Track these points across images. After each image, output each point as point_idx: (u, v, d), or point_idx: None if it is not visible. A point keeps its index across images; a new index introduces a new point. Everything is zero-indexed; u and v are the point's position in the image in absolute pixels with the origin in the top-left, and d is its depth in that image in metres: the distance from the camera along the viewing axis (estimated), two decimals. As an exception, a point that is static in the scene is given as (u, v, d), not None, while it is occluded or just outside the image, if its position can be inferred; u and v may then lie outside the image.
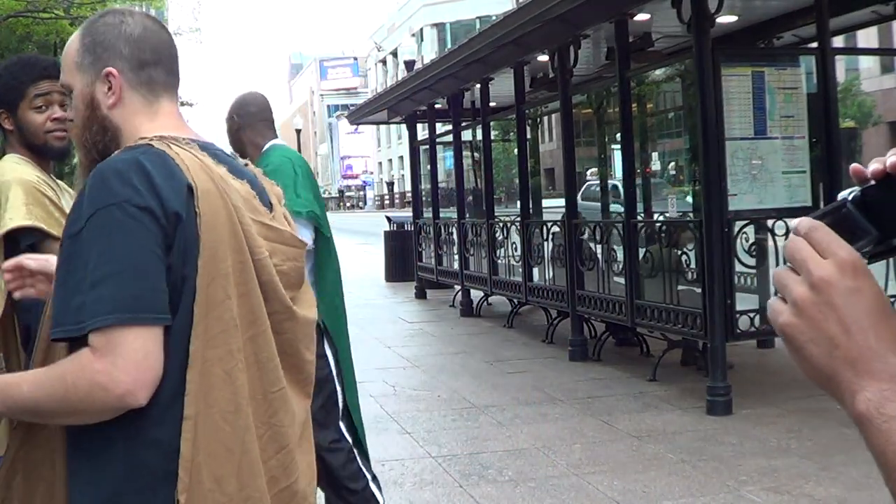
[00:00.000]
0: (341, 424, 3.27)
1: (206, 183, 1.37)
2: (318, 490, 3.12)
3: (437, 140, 12.11)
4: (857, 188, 0.70)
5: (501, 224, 9.55)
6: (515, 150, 9.25)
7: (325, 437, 3.12)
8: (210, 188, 1.36)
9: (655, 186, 10.53)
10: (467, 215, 11.03)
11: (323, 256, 3.31)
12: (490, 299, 10.71)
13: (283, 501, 1.49)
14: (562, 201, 7.73)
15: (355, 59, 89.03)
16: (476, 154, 11.74)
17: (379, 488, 3.33)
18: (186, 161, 1.37)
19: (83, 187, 1.34)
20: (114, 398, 1.25)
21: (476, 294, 10.57)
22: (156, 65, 1.45)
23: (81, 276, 1.27)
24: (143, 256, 1.28)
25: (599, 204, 9.70)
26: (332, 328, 3.24)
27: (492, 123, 10.50)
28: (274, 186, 1.61)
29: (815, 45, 6.23)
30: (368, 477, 3.29)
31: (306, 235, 3.13)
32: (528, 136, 9.21)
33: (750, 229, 5.90)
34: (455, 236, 10.70)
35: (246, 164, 1.59)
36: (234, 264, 1.37)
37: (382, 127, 52.75)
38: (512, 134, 11.15)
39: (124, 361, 1.25)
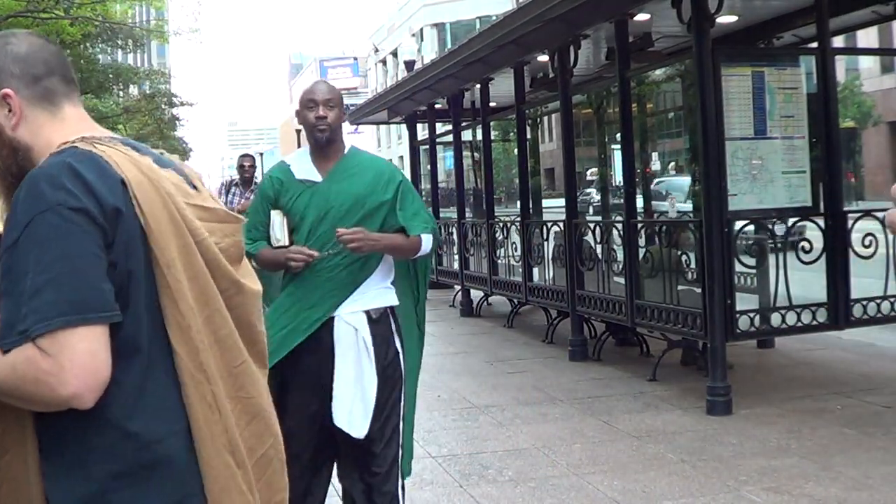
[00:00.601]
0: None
1: (137, 175, 1.39)
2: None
3: (437, 140, 12.11)
4: None
5: (501, 224, 9.55)
6: (515, 150, 9.25)
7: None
8: (142, 179, 1.39)
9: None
10: (467, 215, 11.04)
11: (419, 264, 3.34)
12: (490, 299, 10.71)
13: (262, 468, 1.54)
14: (562, 201, 7.73)
15: (355, 59, 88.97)
16: (476, 154, 11.74)
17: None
18: (113, 157, 1.39)
19: (15, 197, 1.34)
20: (60, 399, 1.27)
21: (476, 294, 10.57)
22: (49, 76, 1.47)
23: (23, 285, 1.27)
24: (82, 258, 1.29)
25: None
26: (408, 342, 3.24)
27: (492, 123, 10.50)
28: (193, 170, 1.62)
29: (815, 45, 6.22)
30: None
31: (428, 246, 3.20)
32: (528, 136, 9.21)
33: (750, 229, 5.90)
34: (455, 236, 10.70)
35: (162, 153, 1.61)
36: (178, 249, 1.40)
37: (382, 127, 52.72)
38: (512, 134, 11.16)
39: (71, 365, 1.26)
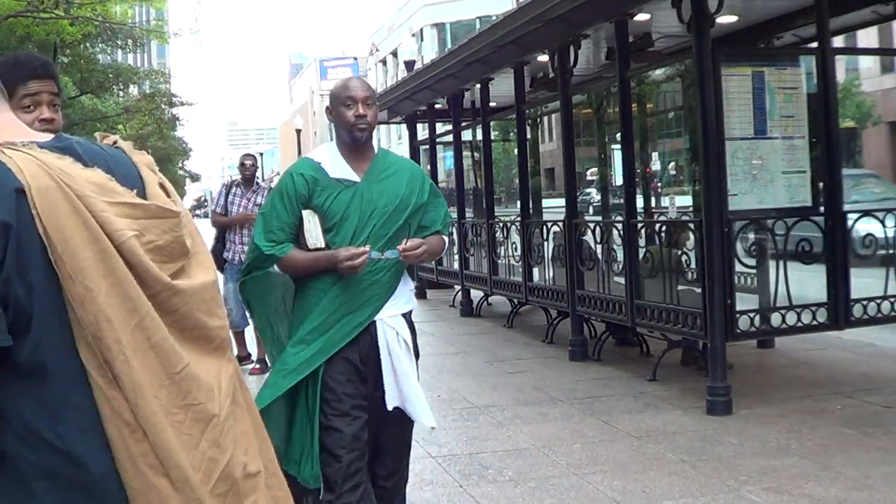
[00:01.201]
0: None
1: (42, 180, 1.31)
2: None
3: (437, 140, 12.11)
4: None
5: (501, 224, 9.55)
6: (515, 150, 9.25)
7: None
8: (47, 185, 1.31)
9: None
10: (467, 215, 11.04)
11: None
12: (490, 299, 10.71)
13: (227, 481, 1.45)
14: (562, 201, 7.73)
15: (355, 59, 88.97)
16: (476, 154, 11.74)
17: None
18: (19, 162, 1.31)
19: None
20: None
21: (476, 294, 10.57)
22: None
23: None
24: None
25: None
26: None
27: (492, 123, 10.50)
28: (143, 156, 1.55)
29: (815, 45, 6.22)
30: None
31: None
32: (528, 136, 9.20)
33: (750, 229, 5.90)
34: (455, 236, 10.70)
35: (115, 144, 1.54)
36: (92, 256, 1.32)
37: (382, 127, 52.70)
38: (512, 134, 11.16)
39: None
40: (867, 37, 21.94)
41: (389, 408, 3.02)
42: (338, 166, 3.03)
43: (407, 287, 3.13)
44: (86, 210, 1.32)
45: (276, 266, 3.01)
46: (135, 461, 1.33)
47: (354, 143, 3.03)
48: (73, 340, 1.32)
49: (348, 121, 2.99)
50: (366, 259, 2.87)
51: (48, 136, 1.46)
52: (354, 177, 3.02)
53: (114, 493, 1.33)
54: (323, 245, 2.95)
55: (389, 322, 3.02)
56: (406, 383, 3.02)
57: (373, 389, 3.01)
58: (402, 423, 3.11)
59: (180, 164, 47.14)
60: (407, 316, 3.11)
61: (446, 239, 3.29)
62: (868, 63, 30.68)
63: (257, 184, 7.64)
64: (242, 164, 7.61)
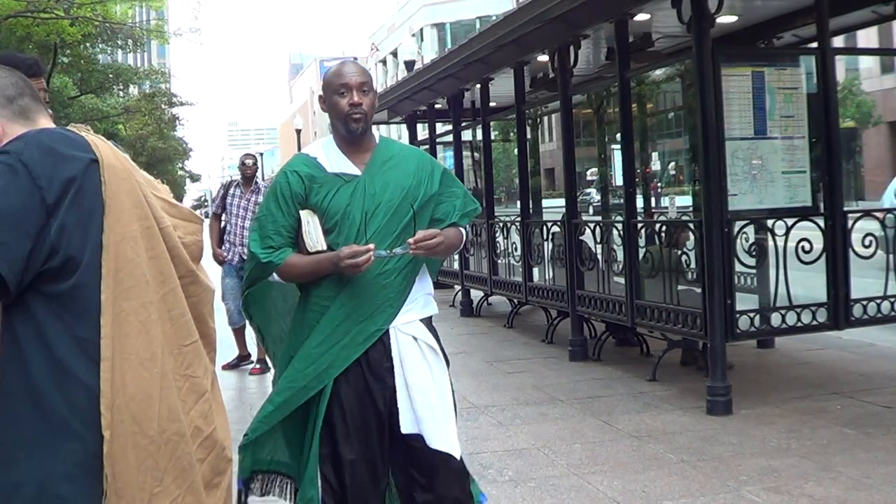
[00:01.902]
0: None
1: (111, 159, 1.56)
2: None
3: (437, 140, 12.10)
4: None
5: (501, 224, 9.55)
6: (515, 150, 9.24)
7: None
8: (116, 164, 1.56)
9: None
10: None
11: None
12: (490, 299, 10.71)
13: (207, 449, 1.65)
14: (562, 201, 7.73)
15: (355, 59, 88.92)
16: (476, 154, 11.74)
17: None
18: (97, 142, 1.57)
19: None
20: None
21: (476, 294, 10.57)
22: (21, 96, 1.65)
23: None
24: (11, 217, 1.44)
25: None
26: None
27: (492, 123, 10.50)
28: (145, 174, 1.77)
29: (815, 45, 6.22)
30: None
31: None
32: (528, 136, 9.20)
33: (750, 229, 5.90)
34: (455, 236, 10.68)
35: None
36: (141, 230, 1.55)
37: (382, 127, 52.75)
38: (512, 134, 11.15)
39: None
40: (867, 37, 21.96)
41: (403, 431, 2.69)
42: (336, 160, 2.76)
43: (424, 290, 2.83)
44: (140, 192, 1.57)
45: (275, 275, 2.75)
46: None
47: (350, 136, 2.74)
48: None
49: (342, 110, 2.71)
50: (370, 257, 2.58)
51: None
52: (355, 170, 2.74)
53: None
54: (324, 247, 2.68)
55: (406, 329, 2.73)
56: (422, 400, 2.68)
57: (391, 407, 2.71)
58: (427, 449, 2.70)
59: (180, 164, 47.16)
60: (426, 321, 2.80)
61: (464, 231, 2.94)
62: (868, 63, 30.71)
63: (256, 183, 7.65)
64: (243, 164, 7.64)
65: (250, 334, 7.56)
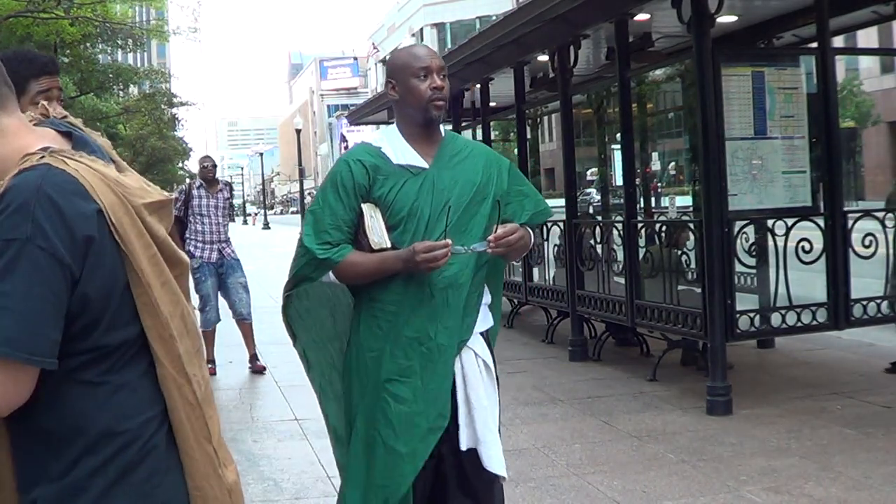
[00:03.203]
0: None
1: (109, 197, 1.42)
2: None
3: (437, 140, 12.08)
4: None
5: (501, 224, 9.53)
6: (515, 150, 9.25)
7: None
8: (113, 201, 1.42)
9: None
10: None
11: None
12: (490, 299, 10.70)
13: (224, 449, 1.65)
14: (562, 201, 7.73)
15: (355, 59, 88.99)
16: (476, 154, 11.71)
17: None
18: (87, 177, 1.40)
19: None
20: None
21: (476, 294, 10.55)
22: None
23: None
24: (35, 301, 1.31)
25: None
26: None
27: (492, 123, 10.49)
28: (106, 142, 1.64)
29: (815, 45, 6.22)
30: None
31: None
32: (528, 136, 9.21)
33: (750, 229, 5.90)
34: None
35: (94, 142, 1.61)
36: (147, 260, 1.47)
37: (383, 127, 52.75)
38: (512, 134, 11.14)
39: None
40: (867, 37, 21.94)
41: (463, 447, 2.52)
42: (402, 151, 2.52)
43: (484, 300, 2.63)
44: (139, 220, 1.47)
45: (330, 274, 2.49)
46: (196, 434, 1.51)
47: (429, 123, 2.52)
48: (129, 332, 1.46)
49: (422, 95, 2.47)
50: (448, 252, 2.36)
51: (53, 137, 1.53)
52: (422, 162, 2.51)
53: (171, 457, 1.50)
54: (388, 245, 2.44)
55: (469, 343, 2.53)
56: (481, 420, 2.52)
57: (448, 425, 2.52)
58: (481, 468, 2.56)
59: (180, 164, 47.16)
60: (485, 335, 2.61)
61: (532, 234, 2.71)
62: (868, 63, 30.71)
63: (220, 181, 7.85)
64: (204, 167, 7.80)
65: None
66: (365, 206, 2.47)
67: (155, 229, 1.51)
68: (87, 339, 1.39)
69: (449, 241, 2.38)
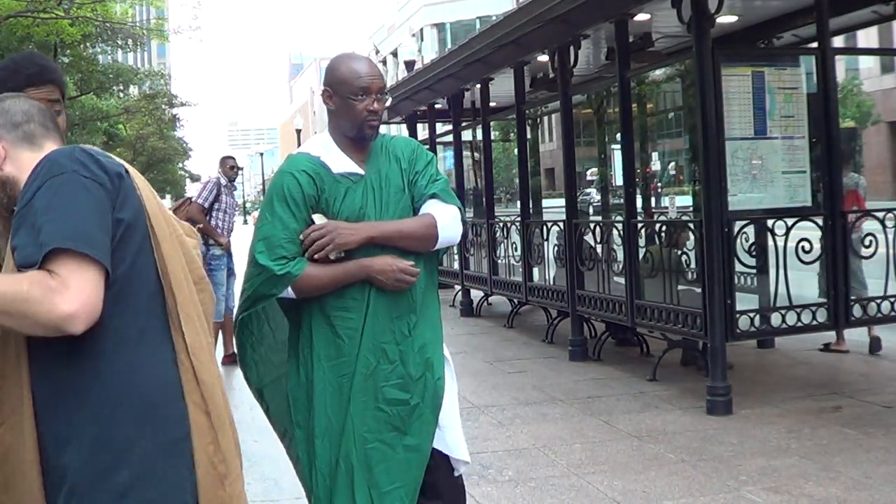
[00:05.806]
0: None
1: (133, 171, 1.68)
2: None
3: (438, 140, 12.11)
4: None
5: (501, 224, 9.55)
6: (515, 150, 9.25)
7: None
8: (136, 174, 1.68)
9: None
10: (467, 215, 11.03)
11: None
12: (490, 299, 10.71)
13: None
14: (562, 201, 7.73)
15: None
16: (476, 154, 11.74)
17: None
18: (112, 156, 1.67)
19: (31, 175, 1.55)
20: (58, 316, 1.42)
21: (476, 294, 10.57)
22: (28, 122, 1.70)
23: (38, 221, 1.47)
24: (89, 211, 1.51)
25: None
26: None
27: (492, 123, 10.50)
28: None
29: (815, 45, 6.22)
30: None
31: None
32: (528, 136, 9.21)
33: (750, 229, 5.90)
34: (455, 236, 10.68)
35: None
36: (168, 233, 1.67)
37: (382, 127, 52.74)
38: (512, 134, 11.15)
39: (76, 287, 1.44)
40: (867, 37, 21.95)
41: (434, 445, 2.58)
42: (338, 160, 2.54)
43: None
44: (159, 201, 1.70)
45: (289, 290, 2.45)
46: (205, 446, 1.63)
47: (362, 141, 2.55)
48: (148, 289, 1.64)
49: (358, 115, 2.49)
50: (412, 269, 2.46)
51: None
52: (358, 169, 2.54)
53: (184, 422, 1.62)
54: (342, 254, 2.45)
55: None
56: (449, 411, 2.60)
57: None
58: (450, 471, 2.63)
59: (180, 164, 47.17)
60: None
61: (440, 213, 2.57)
62: (868, 63, 30.70)
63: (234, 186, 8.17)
64: (232, 168, 8.11)
65: None
66: (316, 217, 2.47)
67: (174, 225, 1.72)
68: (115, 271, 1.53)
69: (417, 269, 2.48)
